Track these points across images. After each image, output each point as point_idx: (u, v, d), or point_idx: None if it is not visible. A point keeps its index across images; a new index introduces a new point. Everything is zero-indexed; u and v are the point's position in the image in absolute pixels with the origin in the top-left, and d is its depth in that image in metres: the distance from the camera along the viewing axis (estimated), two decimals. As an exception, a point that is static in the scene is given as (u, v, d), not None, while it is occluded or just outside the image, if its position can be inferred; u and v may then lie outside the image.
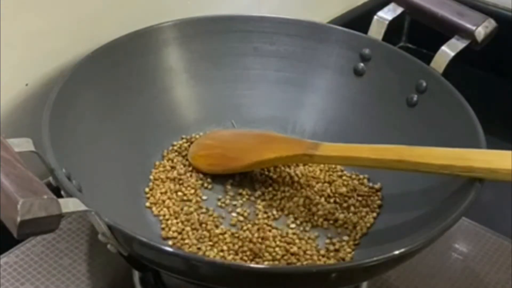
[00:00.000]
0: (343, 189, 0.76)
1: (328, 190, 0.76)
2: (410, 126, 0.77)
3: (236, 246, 0.69)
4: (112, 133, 0.74)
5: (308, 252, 0.69)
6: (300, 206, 0.74)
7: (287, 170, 0.78)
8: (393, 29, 0.82)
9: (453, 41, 0.78)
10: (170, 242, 0.69)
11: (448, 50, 0.77)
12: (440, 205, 0.67)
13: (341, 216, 0.73)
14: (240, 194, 0.75)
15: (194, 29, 0.82)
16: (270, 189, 0.76)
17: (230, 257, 0.68)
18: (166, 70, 0.81)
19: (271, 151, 0.75)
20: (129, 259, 0.62)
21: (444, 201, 0.67)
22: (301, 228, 0.72)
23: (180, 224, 0.71)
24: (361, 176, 0.78)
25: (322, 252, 0.70)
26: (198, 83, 0.82)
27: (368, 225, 0.73)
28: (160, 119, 0.79)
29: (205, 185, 0.76)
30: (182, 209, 0.73)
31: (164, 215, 0.72)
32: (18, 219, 0.52)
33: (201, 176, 0.77)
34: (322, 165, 0.78)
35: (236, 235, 0.70)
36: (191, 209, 0.73)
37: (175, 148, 0.79)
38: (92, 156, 0.70)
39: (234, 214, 0.73)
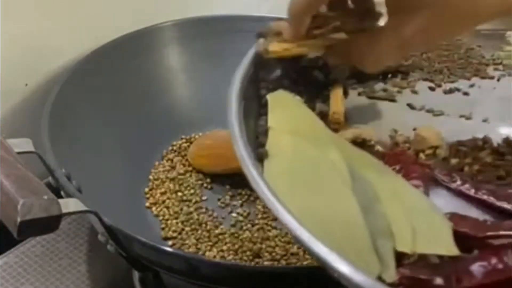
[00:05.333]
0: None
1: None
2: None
3: (236, 246, 0.69)
4: (112, 133, 0.74)
5: (308, 252, 0.69)
6: (300, 206, 0.74)
7: (287, 170, 0.78)
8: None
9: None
10: (170, 242, 0.69)
11: (448, 50, 0.77)
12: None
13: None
14: (240, 194, 0.75)
15: (194, 29, 0.82)
16: (270, 189, 0.76)
17: (230, 257, 0.68)
18: (166, 70, 0.81)
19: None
20: (128, 259, 0.62)
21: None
22: (301, 228, 0.72)
23: (180, 224, 0.71)
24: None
25: (322, 252, 0.70)
26: (198, 83, 0.82)
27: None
28: (160, 119, 0.79)
29: (205, 185, 0.76)
30: (181, 209, 0.73)
31: (164, 215, 0.72)
32: (18, 219, 0.52)
33: (201, 176, 0.77)
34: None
35: (236, 235, 0.70)
36: (191, 209, 0.73)
37: (175, 148, 0.79)
38: (91, 156, 0.70)
39: (234, 214, 0.73)
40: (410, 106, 0.61)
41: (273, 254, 0.69)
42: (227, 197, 0.75)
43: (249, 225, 0.72)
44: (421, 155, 0.56)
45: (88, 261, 0.72)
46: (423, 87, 0.63)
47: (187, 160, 0.78)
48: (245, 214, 0.73)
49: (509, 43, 0.68)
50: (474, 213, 0.52)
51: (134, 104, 0.77)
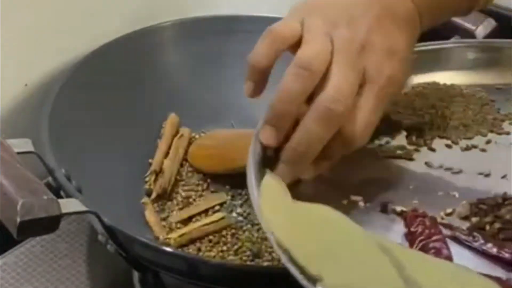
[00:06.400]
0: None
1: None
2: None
3: (236, 246, 0.69)
4: (112, 133, 0.74)
5: (308, 252, 0.69)
6: (300, 206, 0.74)
7: (287, 170, 0.77)
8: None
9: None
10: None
11: (448, 50, 0.77)
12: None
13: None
14: (240, 194, 0.75)
15: (194, 29, 0.82)
16: (270, 189, 0.76)
17: (230, 257, 0.68)
18: (165, 70, 0.80)
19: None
20: (128, 259, 0.62)
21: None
22: (301, 228, 0.72)
23: (179, 225, 0.71)
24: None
25: (322, 252, 0.70)
26: (198, 83, 0.82)
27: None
28: (160, 119, 0.79)
29: (205, 185, 0.76)
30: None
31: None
32: (18, 220, 0.52)
33: (201, 176, 0.76)
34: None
35: (236, 235, 0.70)
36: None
37: (175, 148, 0.79)
38: (91, 156, 0.70)
39: (234, 214, 0.73)
40: (428, 164, 0.61)
41: (273, 254, 0.69)
42: (227, 197, 0.75)
43: (249, 225, 0.72)
44: (442, 214, 0.57)
45: (88, 261, 0.72)
46: (439, 145, 0.64)
47: (187, 160, 0.77)
48: (245, 214, 0.73)
49: None
50: (498, 272, 0.52)
51: (134, 105, 0.77)
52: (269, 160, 0.56)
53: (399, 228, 0.56)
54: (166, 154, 0.76)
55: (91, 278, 0.71)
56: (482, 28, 0.78)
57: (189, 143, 0.79)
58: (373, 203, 0.58)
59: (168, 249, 0.61)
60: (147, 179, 0.74)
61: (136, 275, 0.70)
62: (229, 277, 0.59)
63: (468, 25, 0.78)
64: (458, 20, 0.78)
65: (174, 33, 0.81)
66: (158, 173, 0.74)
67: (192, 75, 0.81)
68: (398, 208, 0.57)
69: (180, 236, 0.68)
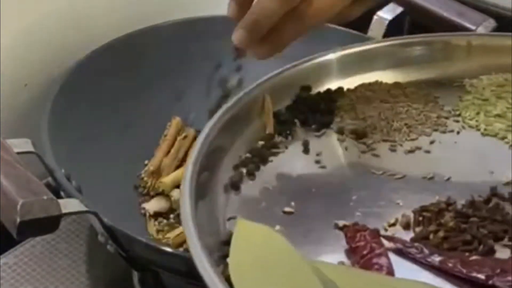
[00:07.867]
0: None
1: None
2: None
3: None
4: (112, 133, 0.74)
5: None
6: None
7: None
8: (393, 29, 0.82)
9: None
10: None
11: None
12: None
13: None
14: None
15: (194, 29, 0.82)
16: (270, 189, 0.76)
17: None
18: (165, 70, 0.80)
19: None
20: (128, 259, 0.62)
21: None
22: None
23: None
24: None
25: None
26: (198, 83, 0.82)
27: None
28: (160, 119, 0.79)
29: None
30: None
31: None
32: (18, 220, 0.52)
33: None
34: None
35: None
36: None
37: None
38: (92, 156, 0.70)
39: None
40: (371, 171, 0.59)
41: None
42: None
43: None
44: (385, 225, 0.54)
45: (88, 261, 0.72)
46: (383, 149, 0.61)
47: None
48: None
49: (469, 92, 0.66)
50: (443, 284, 0.50)
51: (134, 105, 0.77)
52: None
53: (342, 243, 0.53)
54: (167, 154, 0.76)
55: (91, 278, 0.71)
56: (483, 28, 0.78)
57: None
58: (314, 218, 0.55)
59: (168, 249, 0.61)
60: (142, 175, 0.74)
61: (136, 275, 0.70)
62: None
63: (468, 25, 0.78)
64: (458, 20, 0.78)
65: (174, 33, 0.81)
66: (155, 171, 0.74)
67: (192, 75, 0.81)
68: (341, 223, 0.54)
69: (177, 235, 0.68)
